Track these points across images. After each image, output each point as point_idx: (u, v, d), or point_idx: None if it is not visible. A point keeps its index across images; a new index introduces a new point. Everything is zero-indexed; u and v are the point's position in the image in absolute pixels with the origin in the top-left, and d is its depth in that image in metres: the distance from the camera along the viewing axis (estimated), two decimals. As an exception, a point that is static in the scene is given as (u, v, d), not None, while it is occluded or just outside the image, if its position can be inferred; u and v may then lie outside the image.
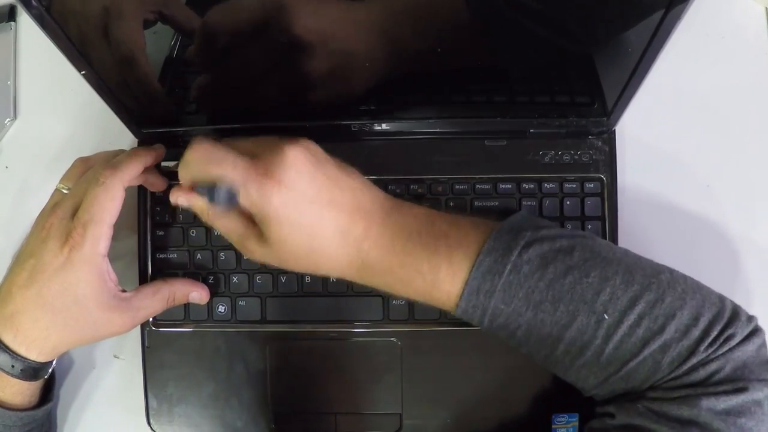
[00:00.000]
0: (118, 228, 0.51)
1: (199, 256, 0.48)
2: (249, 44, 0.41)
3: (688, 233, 0.49)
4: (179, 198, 0.41)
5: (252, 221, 0.39)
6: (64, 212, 0.42)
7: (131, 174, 0.44)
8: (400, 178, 0.48)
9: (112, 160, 0.44)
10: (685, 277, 0.38)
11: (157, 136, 0.48)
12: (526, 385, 0.47)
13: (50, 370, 0.45)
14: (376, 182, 0.47)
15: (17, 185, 0.53)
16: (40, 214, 0.45)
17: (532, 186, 0.47)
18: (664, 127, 0.51)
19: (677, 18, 0.35)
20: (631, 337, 0.35)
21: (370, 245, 0.39)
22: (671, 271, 0.38)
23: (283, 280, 0.47)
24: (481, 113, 0.47)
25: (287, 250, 0.39)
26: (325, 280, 0.47)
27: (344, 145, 0.48)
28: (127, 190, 0.44)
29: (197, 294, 0.47)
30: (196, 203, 0.40)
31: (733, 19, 0.52)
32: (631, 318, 0.35)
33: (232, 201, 0.37)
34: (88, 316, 0.42)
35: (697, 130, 0.51)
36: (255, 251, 0.40)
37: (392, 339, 0.47)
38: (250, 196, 0.37)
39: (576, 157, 0.48)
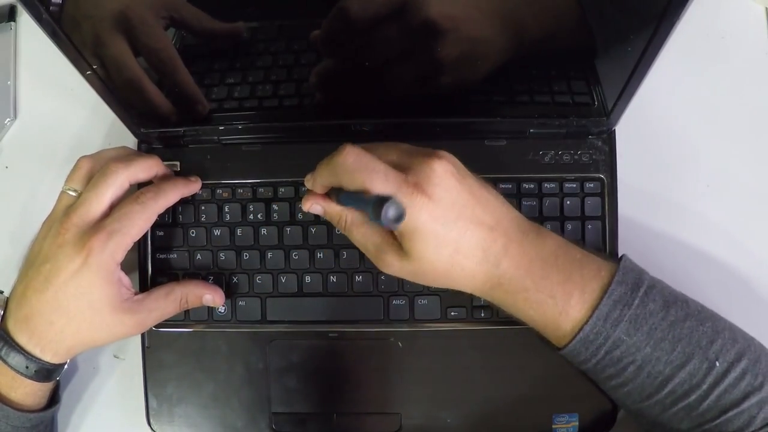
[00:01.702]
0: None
1: (199, 256, 0.48)
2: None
3: (688, 233, 0.49)
4: (314, 206, 0.42)
5: (390, 233, 0.40)
6: (80, 217, 0.42)
7: (170, 203, 0.45)
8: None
9: (158, 186, 0.45)
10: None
11: (157, 136, 0.48)
12: (526, 385, 0.47)
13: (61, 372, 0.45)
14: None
15: (17, 185, 0.53)
16: (50, 218, 0.44)
17: (532, 186, 0.47)
18: (664, 127, 0.51)
19: (677, 17, 0.35)
20: (734, 388, 0.37)
21: (509, 264, 0.39)
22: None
23: (283, 280, 0.48)
24: (481, 113, 0.47)
25: (428, 265, 0.39)
26: (325, 280, 0.47)
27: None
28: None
29: (210, 297, 0.47)
30: (333, 210, 0.41)
31: (733, 19, 0.52)
32: (737, 371, 0.37)
33: (399, 220, 0.33)
34: (101, 320, 0.42)
35: (697, 130, 0.51)
36: (392, 264, 0.40)
37: (392, 339, 0.47)
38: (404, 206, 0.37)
39: (576, 157, 0.48)
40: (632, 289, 0.39)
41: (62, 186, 0.45)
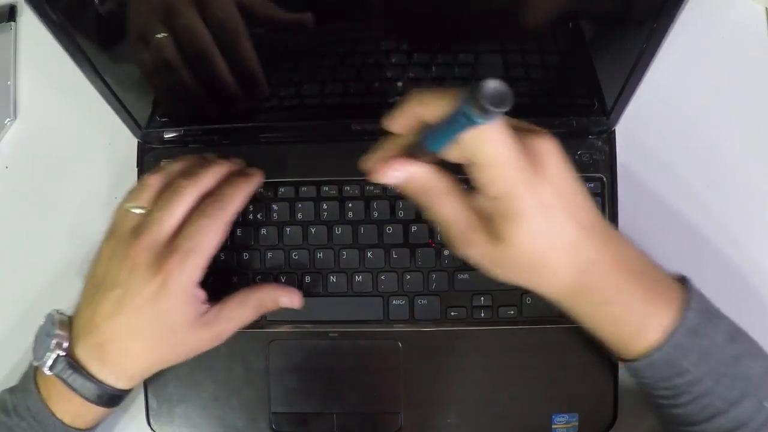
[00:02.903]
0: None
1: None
2: None
3: (688, 233, 0.49)
4: (393, 173, 0.35)
5: (481, 214, 0.35)
6: (153, 240, 0.40)
7: (238, 209, 0.43)
8: (400, 178, 0.48)
9: (221, 193, 0.42)
10: None
11: (157, 136, 0.48)
12: (526, 385, 0.47)
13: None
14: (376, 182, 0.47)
15: (17, 185, 0.53)
16: (113, 237, 0.42)
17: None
18: (664, 127, 0.51)
19: (674, 15, 0.35)
20: None
21: (596, 272, 0.36)
22: None
23: (283, 280, 0.47)
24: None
25: (518, 255, 0.35)
26: (325, 280, 0.47)
27: (344, 145, 0.48)
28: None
29: (287, 299, 0.45)
30: (420, 173, 0.35)
31: (733, 19, 0.52)
32: None
33: (503, 103, 0.27)
34: (179, 340, 0.41)
35: (697, 129, 0.51)
36: (478, 245, 0.36)
37: (392, 339, 0.47)
38: (513, 177, 0.33)
39: (576, 157, 0.48)
40: (704, 319, 0.38)
41: (125, 204, 0.43)
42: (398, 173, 0.35)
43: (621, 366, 0.46)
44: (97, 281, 0.42)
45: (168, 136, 0.48)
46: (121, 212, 0.43)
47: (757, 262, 0.49)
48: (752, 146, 0.50)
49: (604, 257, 0.36)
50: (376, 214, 0.48)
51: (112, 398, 0.42)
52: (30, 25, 0.54)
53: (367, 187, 0.48)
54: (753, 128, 0.50)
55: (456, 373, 0.47)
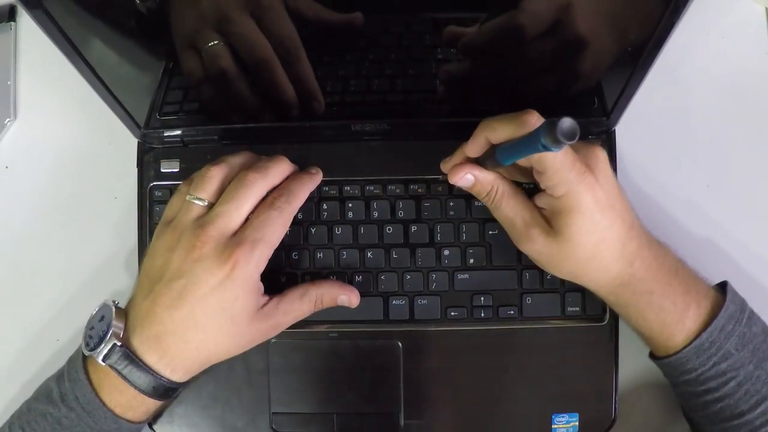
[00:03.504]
0: (119, 228, 0.51)
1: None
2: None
3: (688, 233, 0.49)
4: (467, 176, 0.42)
5: (539, 211, 0.42)
6: (219, 230, 0.40)
7: (301, 203, 0.44)
8: (400, 178, 0.48)
9: (288, 187, 0.43)
10: None
11: (157, 136, 0.48)
12: (526, 385, 0.47)
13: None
14: (376, 182, 0.48)
15: (17, 185, 0.53)
16: (174, 229, 0.42)
17: (532, 186, 0.47)
18: (664, 127, 0.51)
19: (677, 17, 0.35)
20: None
21: (640, 265, 0.41)
22: None
23: (283, 281, 0.47)
24: (481, 113, 0.46)
25: (574, 249, 0.40)
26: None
27: (344, 145, 0.48)
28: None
29: (346, 297, 0.45)
30: (487, 178, 0.42)
31: (733, 19, 0.52)
32: None
33: (573, 137, 0.32)
34: (238, 331, 0.41)
35: (697, 130, 0.51)
36: (537, 241, 0.41)
37: (392, 339, 0.47)
38: (569, 181, 0.39)
39: (576, 157, 0.47)
40: (740, 310, 0.41)
41: (186, 196, 0.43)
42: (470, 176, 0.42)
43: (621, 366, 0.46)
44: (155, 273, 0.41)
45: (168, 136, 0.48)
46: (179, 203, 0.43)
47: (757, 261, 0.49)
48: (752, 146, 0.50)
49: (647, 253, 0.41)
50: (376, 214, 0.48)
51: (166, 391, 0.41)
52: (30, 25, 0.54)
53: (367, 187, 0.48)
54: (753, 128, 0.50)
55: (456, 373, 0.47)
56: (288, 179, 0.45)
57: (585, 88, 0.45)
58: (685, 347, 0.40)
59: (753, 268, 0.49)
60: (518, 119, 0.38)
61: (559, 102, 0.47)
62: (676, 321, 0.41)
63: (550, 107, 0.46)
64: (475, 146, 0.41)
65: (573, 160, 0.39)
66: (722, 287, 0.43)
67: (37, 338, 0.50)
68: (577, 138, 0.32)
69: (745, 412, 0.40)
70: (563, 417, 0.46)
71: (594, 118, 0.46)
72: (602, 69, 0.43)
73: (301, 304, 0.44)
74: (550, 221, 0.41)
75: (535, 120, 0.38)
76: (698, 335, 0.40)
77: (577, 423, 0.46)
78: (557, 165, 0.38)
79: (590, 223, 0.39)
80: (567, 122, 0.32)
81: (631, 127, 0.48)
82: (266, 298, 0.43)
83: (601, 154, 0.41)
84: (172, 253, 0.41)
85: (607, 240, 0.40)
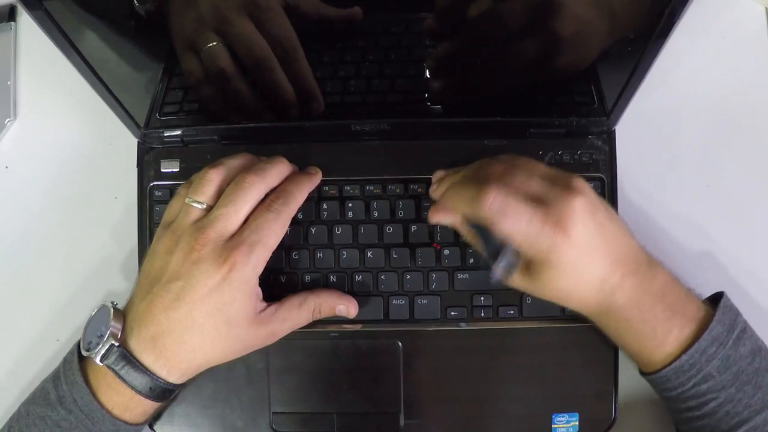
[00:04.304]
0: (119, 228, 0.51)
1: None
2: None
3: (688, 233, 0.49)
4: (443, 221, 0.44)
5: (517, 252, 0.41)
6: (218, 233, 0.40)
7: (299, 205, 0.44)
8: (400, 178, 0.48)
9: (285, 189, 0.43)
10: None
11: (156, 136, 0.48)
12: (526, 385, 0.47)
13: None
14: (375, 182, 0.48)
15: (17, 185, 0.53)
16: (172, 232, 0.42)
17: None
18: (664, 127, 0.51)
19: (677, 17, 0.35)
20: None
21: (621, 294, 0.40)
22: None
23: (283, 280, 0.47)
24: (481, 113, 0.47)
25: (549, 290, 0.41)
26: (325, 280, 0.47)
27: (344, 145, 0.48)
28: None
29: (344, 307, 0.46)
30: (463, 230, 0.44)
31: (733, 19, 0.52)
32: None
33: (512, 269, 0.39)
34: (236, 335, 0.41)
35: (697, 130, 0.51)
36: (514, 279, 0.42)
37: (392, 339, 0.47)
38: (539, 244, 0.39)
39: (576, 157, 0.48)
40: (728, 330, 0.40)
41: (185, 199, 0.43)
42: (446, 220, 0.44)
43: (621, 366, 0.46)
44: (154, 275, 0.42)
45: (168, 136, 0.48)
46: (178, 206, 0.43)
47: (757, 262, 0.49)
48: (752, 146, 0.50)
49: (629, 282, 0.40)
50: (376, 214, 0.48)
51: (163, 392, 0.41)
52: (30, 25, 0.54)
53: (367, 187, 0.48)
54: (753, 128, 0.50)
55: (456, 373, 0.47)
56: (286, 181, 0.45)
57: (585, 88, 0.45)
58: (663, 368, 0.40)
59: (753, 269, 0.49)
60: (474, 201, 0.39)
61: (559, 103, 0.47)
62: (656, 345, 0.41)
63: (550, 107, 0.47)
64: (445, 210, 0.43)
65: (542, 223, 0.38)
66: (718, 299, 0.42)
67: (37, 338, 0.50)
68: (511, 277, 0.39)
69: (724, 431, 0.40)
70: (563, 417, 0.46)
71: (594, 118, 0.46)
72: (602, 69, 0.43)
73: (299, 312, 0.44)
74: (525, 263, 0.41)
75: (490, 201, 0.38)
76: (678, 357, 0.40)
77: (577, 423, 0.46)
78: (522, 237, 0.39)
79: (563, 273, 0.39)
80: (501, 269, 0.39)
81: (631, 127, 0.48)
82: (265, 304, 0.43)
83: (573, 207, 0.39)
84: (171, 255, 0.41)
85: (584, 281, 0.40)
